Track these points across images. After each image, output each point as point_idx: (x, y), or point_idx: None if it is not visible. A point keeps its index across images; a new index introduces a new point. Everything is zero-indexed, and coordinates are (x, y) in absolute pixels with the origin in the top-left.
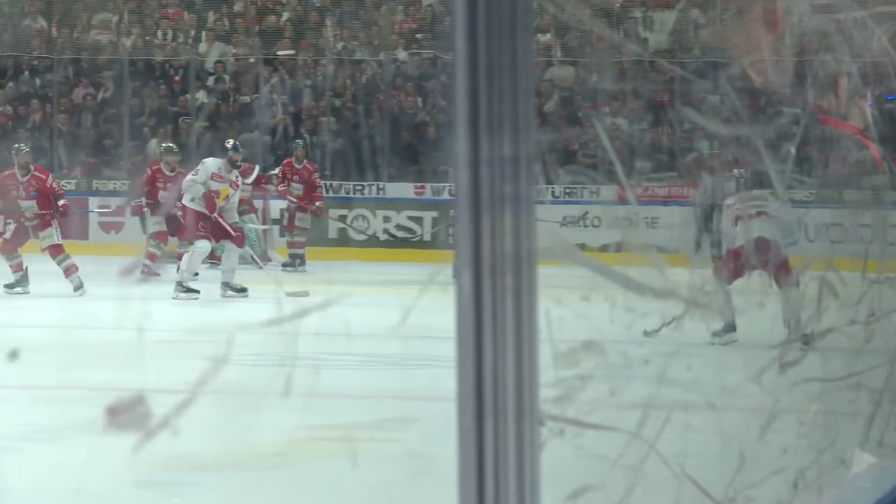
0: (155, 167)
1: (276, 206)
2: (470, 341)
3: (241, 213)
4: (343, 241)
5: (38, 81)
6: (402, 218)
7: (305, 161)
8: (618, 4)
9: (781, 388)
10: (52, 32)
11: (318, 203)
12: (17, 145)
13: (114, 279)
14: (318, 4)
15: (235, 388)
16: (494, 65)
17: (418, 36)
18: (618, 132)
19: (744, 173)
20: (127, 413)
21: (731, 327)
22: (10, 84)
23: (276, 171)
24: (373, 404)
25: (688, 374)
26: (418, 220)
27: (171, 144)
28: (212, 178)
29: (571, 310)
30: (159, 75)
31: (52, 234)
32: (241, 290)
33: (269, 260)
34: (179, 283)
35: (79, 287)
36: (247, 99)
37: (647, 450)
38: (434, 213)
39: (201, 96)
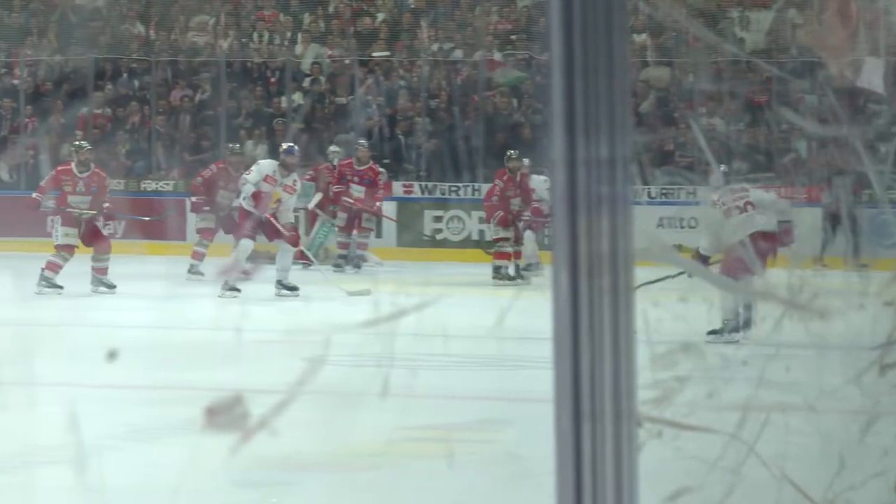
0: (221, 166)
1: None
2: (567, 342)
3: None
4: (439, 242)
5: (136, 83)
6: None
7: (370, 162)
8: (714, 4)
9: (882, 390)
10: (149, 35)
11: (377, 204)
12: (78, 142)
13: (212, 280)
14: (412, 6)
15: (333, 388)
16: (590, 65)
17: (513, 37)
18: (714, 133)
19: (727, 168)
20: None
21: (734, 327)
22: (109, 86)
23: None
24: (470, 405)
25: (786, 376)
26: None
27: (236, 145)
28: (265, 179)
29: (669, 311)
30: (256, 77)
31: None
32: (293, 289)
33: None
34: (226, 282)
35: (111, 286)
36: (342, 100)
37: (745, 452)
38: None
39: (297, 98)
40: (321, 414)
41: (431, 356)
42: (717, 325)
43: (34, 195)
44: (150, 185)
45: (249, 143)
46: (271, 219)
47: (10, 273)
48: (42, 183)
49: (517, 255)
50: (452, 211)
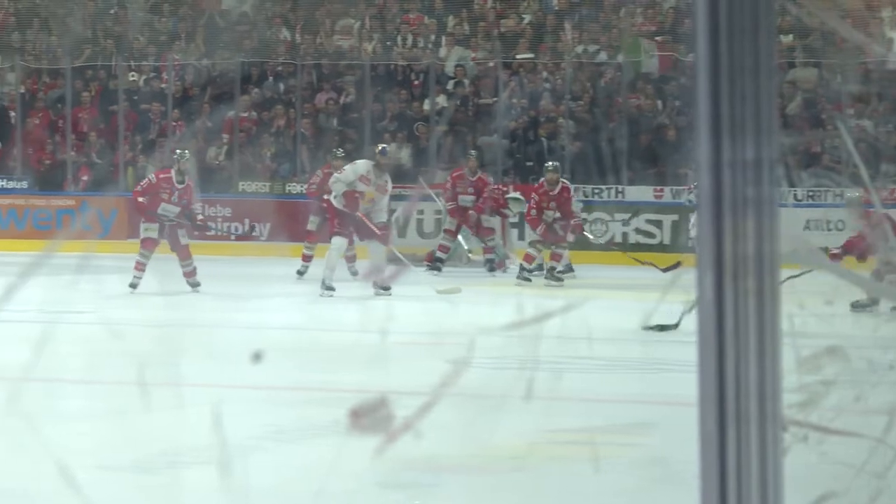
0: (327, 170)
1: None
2: (712, 345)
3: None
4: (583, 244)
5: (281, 87)
6: (640, 221)
7: (480, 172)
8: (864, 4)
9: None
10: (295, 39)
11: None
12: (180, 151)
13: (358, 282)
14: (556, 8)
15: (477, 390)
16: (736, 66)
17: (658, 38)
18: (863, 134)
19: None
20: (370, 415)
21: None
22: (255, 90)
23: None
24: (614, 408)
25: None
26: (657, 224)
27: (339, 150)
28: (360, 179)
29: (815, 314)
30: (400, 80)
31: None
32: (386, 289)
33: (508, 260)
34: (323, 282)
35: (195, 285)
36: (486, 102)
37: (893, 457)
38: (674, 217)
39: (441, 100)
40: (465, 416)
41: (575, 359)
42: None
43: (140, 199)
44: (294, 187)
45: (393, 146)
46: (364, 218)
47: (156, 275)
48: (140, 187)
49: (555, 257)
50: (596, 213)
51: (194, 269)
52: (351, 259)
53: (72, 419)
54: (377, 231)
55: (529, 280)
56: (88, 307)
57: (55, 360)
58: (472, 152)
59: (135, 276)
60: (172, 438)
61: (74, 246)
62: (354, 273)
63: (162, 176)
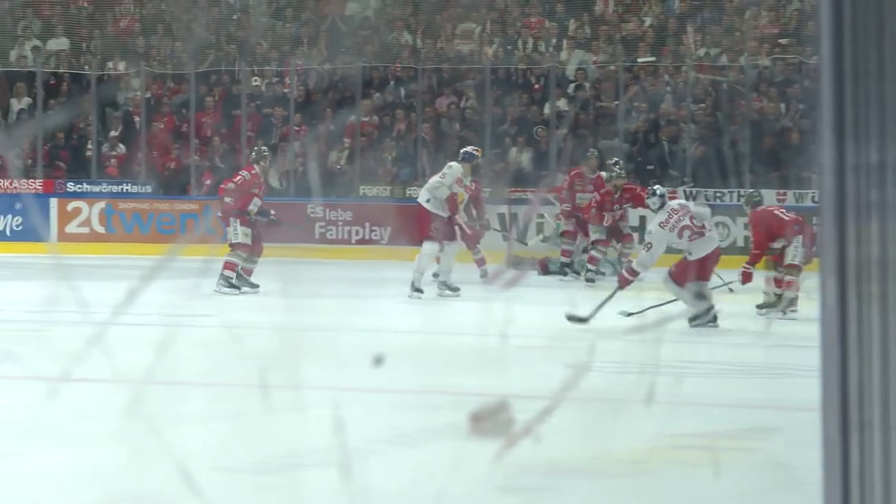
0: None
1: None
2: (835, 350)
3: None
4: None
5: (402, 91)
6: None
7: (598, 172)
8: None
9: None
10: (416, 43)
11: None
12: (258, 147)
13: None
14: (678, 11)
15: (597, 394)
16: (860, 69)
17: (782, 41)
18: None
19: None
20: (490, 419)
21: (705, 316)
22: (377, 94)
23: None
24: (735, 413)
25: None
26: None
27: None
28: (456, 182)
29: None
30: (520, 84)
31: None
32: (455, 290)
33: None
34: (412, 284)
35: (254, 286)
36: (607, 106)
37: None
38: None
39: (562, 104)
40: (585, 420)
41: (696, 363)
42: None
43: (227, 200)
44: (415, 191)
45: (514, 150)
46: (458, 220)
47: (280, 278)
48: (234, 184)
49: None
50: (718, 217)
51: (253, 269)
52: (480, 262)
53: (193, 421)
54: (468, 232)
55: (593, 281)
56: (210, 310)
57: (177, 364)
58: (593, 150)
59: (237, 281)
60: (293, 441)
61: (197, 250)
62: (484, 275)
63: (253, 172)
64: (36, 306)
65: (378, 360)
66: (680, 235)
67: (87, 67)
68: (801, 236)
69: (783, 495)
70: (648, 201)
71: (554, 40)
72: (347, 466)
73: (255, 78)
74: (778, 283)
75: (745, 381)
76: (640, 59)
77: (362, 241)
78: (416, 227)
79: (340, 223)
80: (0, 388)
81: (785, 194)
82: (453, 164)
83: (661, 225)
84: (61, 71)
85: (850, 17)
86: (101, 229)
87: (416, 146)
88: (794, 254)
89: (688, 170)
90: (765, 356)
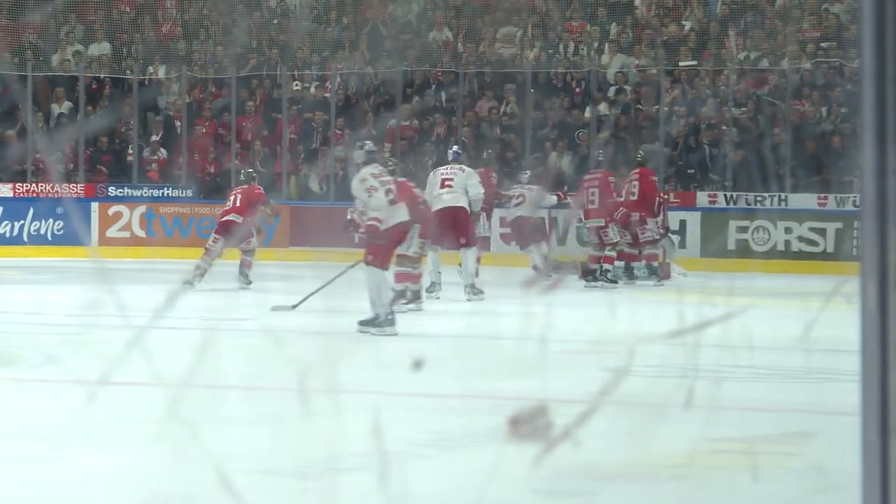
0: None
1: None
2: (875, 355)
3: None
4: (744, 252)
5: (443, 95)
6: (803, 230)
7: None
8: None
9: None
10: (457, 47)
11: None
12: (247, 171)
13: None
14: (719, 15)
15: (636, 398)
16: None
17: (824, 44)
18: None
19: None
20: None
21: (385, 320)
22: (417, 98)
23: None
24: (774, 417)
25: None
26: (821, 232)
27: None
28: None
29: None
30: (561, 88)
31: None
32: (479, 293)
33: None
34: (472, 286)
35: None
36: (648, 110)
37: None
38: (838, 225)
39: (603, 108)
40: (624, 424)
41: (736, 367)
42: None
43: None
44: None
45: (554, 154)
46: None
47: (319, 282)
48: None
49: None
50: (758, 221)
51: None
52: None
53: (233, 425)
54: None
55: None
56: (250, 314)
57: (217, 367)
58: (641, 154)
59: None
60: (332, 444)
61: (237, 254)
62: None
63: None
64: (77, 310)
65: (417, 365)
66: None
67: (128, 72)
68: None
69: (823, 499)
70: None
71: (596, 44)
72: (386, 471)
73: (296, 82)
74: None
75: (785, 386)
76: (681, 63)
77: None
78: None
79: None
80: (41, 392)
81: (826, 198)
82: (466, 168)
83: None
84: (103, 75)
85: (893, 19)
86: (141, 233)
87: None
88: None
89: (728, 174)
90: (804, 360)
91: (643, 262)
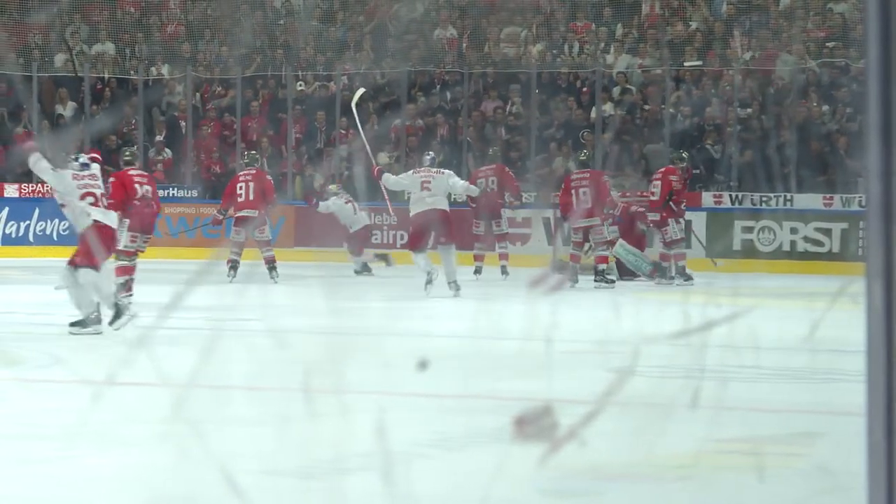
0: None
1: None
2: (880, 355)
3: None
4: (750, 252)
5: (448, 95)
6: (809, 230)
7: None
8: None
9: None
10: (462, 47)
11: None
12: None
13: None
14: (725, 15)
15: (642, 399)
16: None
17: (829, 44)
18: None
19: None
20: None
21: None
22: (422, 98)
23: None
24: (780, 418)
25: None
26: (826, 232)
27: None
28: None
29: None
30: (565, 88)
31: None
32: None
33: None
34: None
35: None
36: (653, 110)
37: None
38: (843, 225)
39: (608, 108)
40: (629, 425)
41: (741, 367)
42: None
43: None
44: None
45: (559, 155)
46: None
47: (324, 282)
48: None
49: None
50: (763, 221)
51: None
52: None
53: (237, 425)
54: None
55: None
56: (255, 314)
57: (221, 367)
58: (684, 154)
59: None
60: (337, 444)
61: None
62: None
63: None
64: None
65: (422, 365)
66: None
67: (132, 72)
68: None
69: (829, 500)
70: None
71: (602, 44)
72: (391, 471)
73: (301, 82)
74: None
75: (790, 386)
76: (686, 63)
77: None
78: (462, 232)
79: (385, 227)
80: (46, 392)
81: (832, 199)
82: (444, 170)
83: None
84: (107, 76)
85: None
86: None
87: (460, 151)
88: None
89: (733, 174)
90: (810, 361)
91: (672, 262)
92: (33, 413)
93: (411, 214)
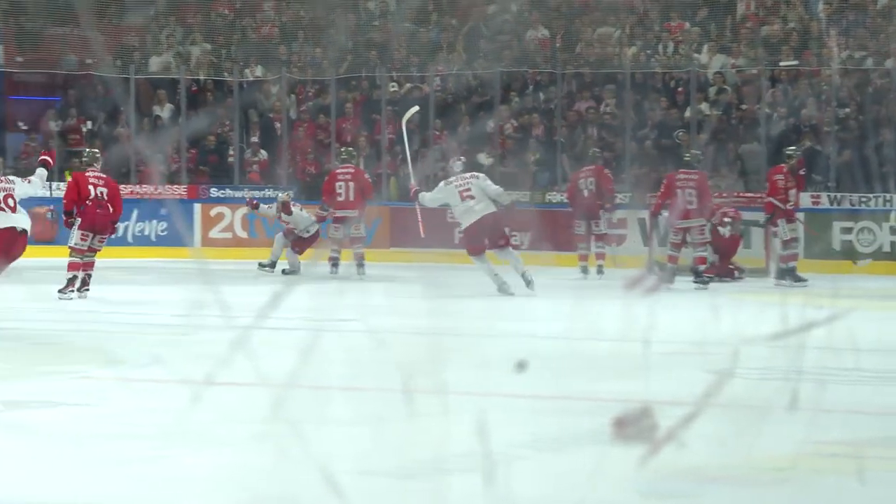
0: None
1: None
2: None
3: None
4: (849, 253)
5: (541, 96)
6: None
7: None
8: None
9: None
10: (555, 47)
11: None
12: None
13: (619, 291)
14: (821, 14)
15: (740, 401)
16: None
17: None
18: None
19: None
20: (633, 425)
21: None
22: (516, 99)
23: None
24: (881, 421)
25: None
26: None
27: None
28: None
29: None
30: (660, 88)
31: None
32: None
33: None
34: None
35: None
36: (749, 110)
37: None
38: None
39: (703, 108)
40: (728, 427)
41: (841, 370)
42: None
43: None
44: (554, 196)
45: (654, 154)
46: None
47: (422, 283)
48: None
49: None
50: (862, 222)
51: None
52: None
53: (336, 425)
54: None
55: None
56: (353, 315)
57: (320, 368)
58: (793, 148)
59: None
60: (436, 445)
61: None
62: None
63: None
64: (180, 310)
65: (521, 366)
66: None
67: (227, 74)
68: None
69: None
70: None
71: (695, 44)
72: (491, 472)
73: (393, 83)
74: None
75: (891, 388)
76: (782, 63)
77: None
78: (558, 232)
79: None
80: (145, 392)
81: None
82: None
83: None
84: (203, 78)
85: None
86: (243, 234)
87: (555, 151)
88: None
89: (831, 174)
90: None
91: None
92: (131, 412)
93: (464, 226)
